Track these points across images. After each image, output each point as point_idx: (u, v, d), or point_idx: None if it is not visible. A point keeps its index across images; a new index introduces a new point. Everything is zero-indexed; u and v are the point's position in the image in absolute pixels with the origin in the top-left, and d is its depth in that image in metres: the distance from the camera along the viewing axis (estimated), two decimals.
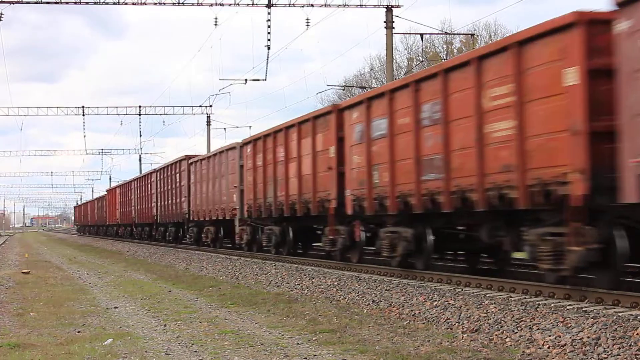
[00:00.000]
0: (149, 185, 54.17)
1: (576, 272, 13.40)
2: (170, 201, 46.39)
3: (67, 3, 37.89)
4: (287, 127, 25.92)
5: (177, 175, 44.45)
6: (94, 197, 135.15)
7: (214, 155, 36.60)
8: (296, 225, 27.06)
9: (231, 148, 33.78)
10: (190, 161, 41.48)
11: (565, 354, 10.10)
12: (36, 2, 37.19)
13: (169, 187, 46.74)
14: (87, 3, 37.83)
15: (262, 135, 28.34)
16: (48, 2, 37.45)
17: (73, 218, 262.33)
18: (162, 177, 49.34)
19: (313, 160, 23.66)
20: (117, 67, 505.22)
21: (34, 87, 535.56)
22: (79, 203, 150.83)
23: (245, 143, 30.81)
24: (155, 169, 52.62)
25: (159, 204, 49.99)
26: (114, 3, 37.68)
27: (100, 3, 37.76)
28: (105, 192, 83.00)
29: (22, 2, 37.16)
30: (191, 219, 41.16)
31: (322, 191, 22.94)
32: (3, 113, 65.38)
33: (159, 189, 49.99)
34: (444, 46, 66.93)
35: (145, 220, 56.42)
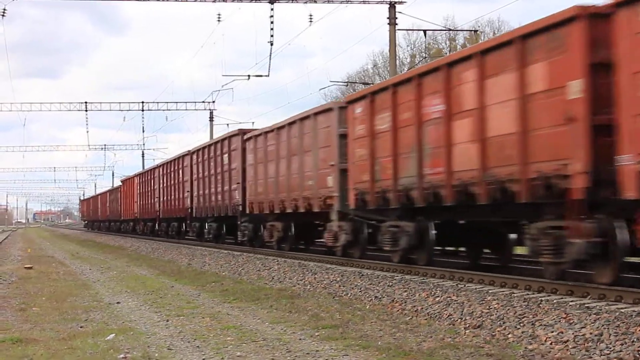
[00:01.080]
0: (180, 172, 44.76)
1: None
2: (211, 190, 37.46)
3: None
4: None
5: (225, 156, 35.06)
6: (97, 191, 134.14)
7: (290, 124, 26.71)
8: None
9: (324, 110, 24.11)
10: (246, 136, 31.92)
11: (567, 350, 10.10)
12: None
13: (210, 172, 37.51)
14: None
15: (390, 84, 19.50)
16: None
17: (77, 213, 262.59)
18: (200, 160, 40.00)
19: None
20: (119, 63, 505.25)
21: (35, 83, 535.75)
22: (85, 196, 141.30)
23: (352, 100, 21.49)
24: (189, 151, 43.08)
25: (195, 193, 40.85)
26: None
27: None
28: (120, 183, 73.64)
29: None
30: (246, 211, 31.63)
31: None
32: (6, 109, 65.40)
33: (195, 175, 40.80)
34: (447, 42, 66.87)
35: (173, 214, 46.86)
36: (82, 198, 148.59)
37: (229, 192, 34.13)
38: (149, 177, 56.33)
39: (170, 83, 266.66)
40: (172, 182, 46.58)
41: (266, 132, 28.95)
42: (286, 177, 26.72)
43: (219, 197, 35.82)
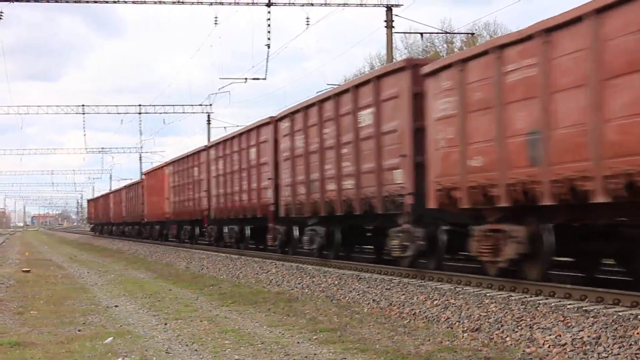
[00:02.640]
0: (237, 155, 31.89)
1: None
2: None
3: (66, 1, 37.84)
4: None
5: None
6: (95, 194, 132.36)
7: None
8: None
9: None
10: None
11: (565, 353, 10.11)
12: (35, 1, 37.14)
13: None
14: (87, 2, 37.77)
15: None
16: (48, 1, 37.41)
17: (75, 216, 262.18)
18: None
19: None
20: (116, 66, 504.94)
21: (32, 86, 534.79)
22: (93, 196, 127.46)
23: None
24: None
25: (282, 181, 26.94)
26: (114, 1, 37.63)
27: (100, 1, 37.70)
28: (143, 176, 60.41)
29: (21, 0, 37.11)
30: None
31: None
32: (3, 111, 65.35)
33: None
34: (445, 45, 66.88)
35: (235, 214, 32.24)
36: (88, 198, 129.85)
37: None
38: (189, 165, 41.03)
39: (167, 86, 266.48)
40: (232, 170, 32.73)
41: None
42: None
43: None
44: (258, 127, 29.09)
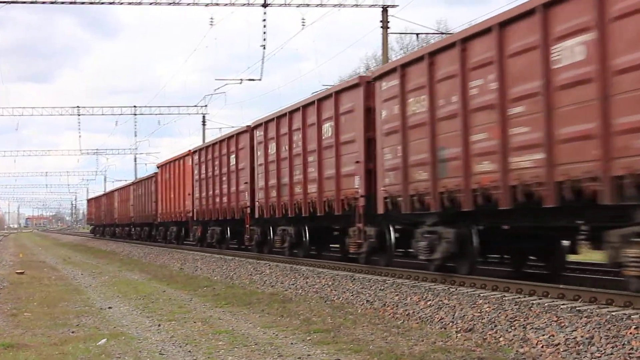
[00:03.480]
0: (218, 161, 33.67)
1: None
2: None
3: (62, 3, 37.79)
4: None
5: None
6: (90, 195, 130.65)
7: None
8: None
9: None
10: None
11: (558, 353, 10.12)
12: (32, 2, 37.10)
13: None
14: (82, 3, 37.73)
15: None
16: (44, 2, 37.38)
17: (69, 217, 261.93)
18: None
19: None
20: (112, 67, 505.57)
21: (27, 87, 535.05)
22: (87, 197, 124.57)
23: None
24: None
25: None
26: (110, 3, 37.60)
27: (96, 3, 37.66)
28: (156, 169, 49.62)
29: (17, 2, 37.07)
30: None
31: None
32: None
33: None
34: None
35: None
36: (87, 198, 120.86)
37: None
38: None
39: (162, 87, 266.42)
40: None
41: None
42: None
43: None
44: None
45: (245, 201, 29.80)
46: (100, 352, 11.14)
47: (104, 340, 12.08)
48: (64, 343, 11.94)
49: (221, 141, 33.57)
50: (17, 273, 27.09)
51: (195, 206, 37.90)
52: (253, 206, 28.74)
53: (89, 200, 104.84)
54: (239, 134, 31.10)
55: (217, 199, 33.96)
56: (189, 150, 39.73)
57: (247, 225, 29.78)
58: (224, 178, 32.80)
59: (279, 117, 25.75)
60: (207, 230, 37.15)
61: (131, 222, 60.20)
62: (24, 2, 37.13)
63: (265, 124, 26.95)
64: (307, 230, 24.87)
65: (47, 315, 15.38)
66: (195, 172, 37.95)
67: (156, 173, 49.25)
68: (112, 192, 74.84)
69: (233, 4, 38.57)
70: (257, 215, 28.30)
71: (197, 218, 37.88)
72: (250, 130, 29.20)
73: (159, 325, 13.69)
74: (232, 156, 31.82)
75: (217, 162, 34.15)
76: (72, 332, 13.12)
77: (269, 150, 26.59)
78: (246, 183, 29.63)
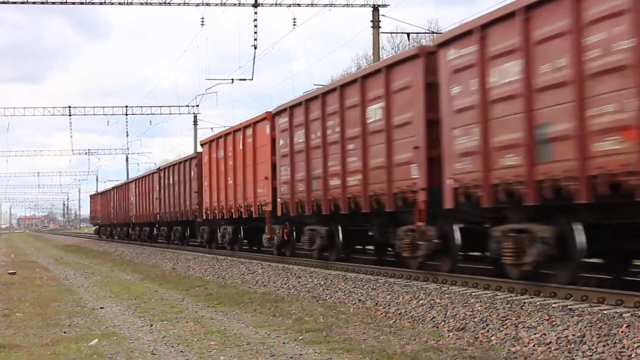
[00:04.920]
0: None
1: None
2: None
3: (52, 3, 37.75)
4: None
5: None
6: (82, 196, 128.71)
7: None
8: None
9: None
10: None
11: (550, 351, 10.14)
12: (22, 3, 37.02)
13: None
14: (72, 3, 37.69)
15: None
16: (34, 3, 37.32)
17: (62, 218, 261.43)
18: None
19: None
20: (102, 68, 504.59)
21: (17, 88, 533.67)
22: (79, 197, 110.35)
23: None
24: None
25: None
26: (100, 3, 37.55)
27: (86, 3, 37.61)
28: (194, 156, 37.73)
29: (7, 3, 36.99)
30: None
31: None
32: None
33: None
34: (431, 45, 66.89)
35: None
36: (91, 193, 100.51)
37: None
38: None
39: (153, 87, 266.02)
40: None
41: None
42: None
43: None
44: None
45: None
46: (92, 352, 11.13)
47: (96, 340, 12.07)
48: (56, 343, 11.92)
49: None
50: (9, 273, 27.05)
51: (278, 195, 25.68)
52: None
53: (92, 196, 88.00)
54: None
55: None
56: (267, 113, 26.42)
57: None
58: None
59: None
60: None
61: (156, 220, 47.02)
62: (14, 3, 37.07)
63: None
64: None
65: (39, 316, 15.36)
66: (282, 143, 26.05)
67: (198, 154, 36.53)
68: (127, 184, 59.93)
69: (224, 4, 38.61)
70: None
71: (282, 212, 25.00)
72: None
73: (151, 325, 13.68)
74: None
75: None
76: (64, 333, 13.11)
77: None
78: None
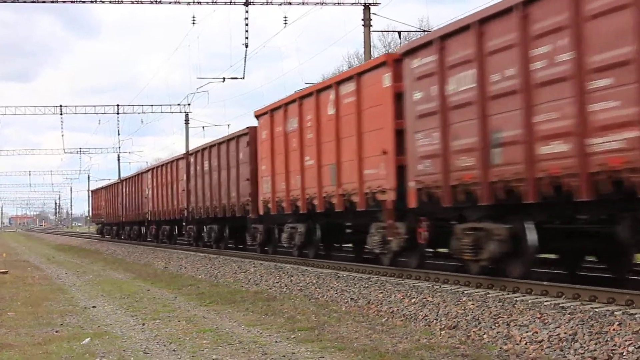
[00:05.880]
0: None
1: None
2: None
3: (43, 1, 37.64)
4: None
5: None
6: (73, 195, 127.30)
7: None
8: None
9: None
10: None
11: (542, 350, 10.16)
12: (12, 1, 36.92)
13: None
14: (63, 1, 37.58)
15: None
16: (25, 1, 37.20)
17: (54, 217, 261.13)
18: None
19: None
20: (93, 66, 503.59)
21: (7, 86, 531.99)
22: (71, 196, 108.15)
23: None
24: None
25: None
26: (91, 1, 37.46)
27: (77, 2, 37.51)
28: (244, 132, 28.66)
29: None
30: None
31: None
32: None
33: None
34: None
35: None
36: (92, 189, 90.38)
37: None
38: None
39: (145, 86, 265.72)
40: None
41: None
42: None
43: None
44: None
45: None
46: (84, 351, 11.12)
47: (88, 339, 12.06)
48: (48, 342, 11.91)
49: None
50: (1, 272, 26.98)
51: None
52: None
53: (94, 192, 78.30)
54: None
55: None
56: (386, 55, 18.89)
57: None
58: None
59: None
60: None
61: (182, 216, 38.93)
62: (5, 1, 36.93)
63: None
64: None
65: (30, 315, 15.34)
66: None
67: (251, 129, 27.90)
68: (139, 175, 51.22)
69: (215, 2, 38.48)
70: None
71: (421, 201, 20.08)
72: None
73: (143, 324, 13.68)
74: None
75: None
76: (56, 332, 13.10)
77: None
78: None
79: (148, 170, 48.33)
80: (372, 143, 18.54)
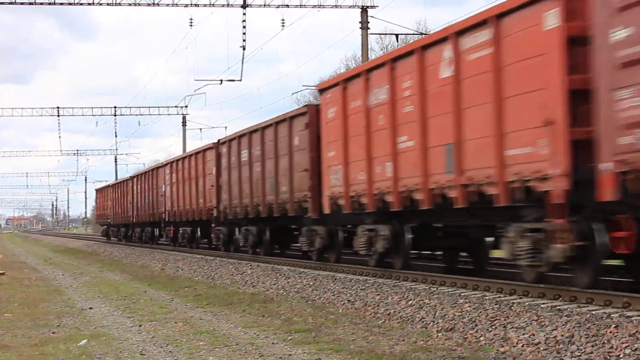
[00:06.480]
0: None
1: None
2: None
3: (41, 4, 37.66)
4: None
5: None
6: (70, 196, 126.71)
7: None
8: None
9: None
10: None
11: (539, 352, 10.16)
12: (10, 3, 36.92)
13: None
14: (61, 4, 37.62)
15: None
16: (22, 3, 37.21)
17: (50, 219, 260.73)
18: None
19: None
20: (90, 68, 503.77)
21: (5, 88, 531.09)
22: (68, 198, 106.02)
23: None
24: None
25: None
26: (89, 4, 37.48)
27: (74, 4, 37.53)
28: (301, 112, 23.17)
29: None
30: None
31: None
32: None
33: None
34: None
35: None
36: (96, 188, 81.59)
37: None
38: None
39: (142, 88, 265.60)
40: None
41: None
42: None
43: None
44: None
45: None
46: (81, 352, 11.12)
47: (85, 340, 12.05)
48: (45, 344, 11.90)
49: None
50: None
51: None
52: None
53: (99, 190, 72.76)
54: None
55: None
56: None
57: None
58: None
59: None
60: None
61: (210, 216, 32.80)
62: (2, 3, 36.94)
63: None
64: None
65: (27, 316, 15.33)
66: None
67: (310, 107, 22.86)
68: (154, 170, 45.44)
69: (213, 5, 38.57)
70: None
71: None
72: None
73: (140, 326, 13.67)
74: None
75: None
76: (53, 333, 13.09)
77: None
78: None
79: (166, 164, 42.02)
80: (522, 112, 13.36)
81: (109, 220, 63.05)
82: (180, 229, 39.28)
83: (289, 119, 23.49)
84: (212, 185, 32.01)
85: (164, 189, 41.42)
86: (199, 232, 36.94)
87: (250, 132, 27.11)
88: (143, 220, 47.92)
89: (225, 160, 29.97)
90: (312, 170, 21.80)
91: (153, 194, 44.50)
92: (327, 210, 20.67)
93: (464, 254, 19.80)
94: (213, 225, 32.76)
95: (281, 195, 24.05)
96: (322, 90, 21.31)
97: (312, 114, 22.04)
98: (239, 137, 28.31)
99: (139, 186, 48.97)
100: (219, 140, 31.68)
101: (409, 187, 16.57)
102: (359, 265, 15.36)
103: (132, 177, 52.47)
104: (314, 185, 21.62)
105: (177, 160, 39.27)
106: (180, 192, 37.81)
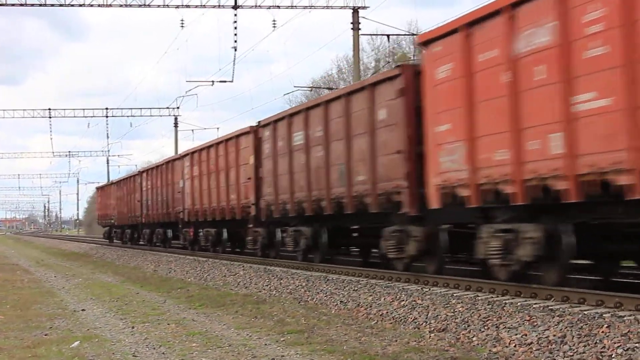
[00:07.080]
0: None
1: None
2: None
3: (31, 5, 37.59)
4: None
5: None
6: (62, 198, 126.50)
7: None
8: None
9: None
10: None
11: (531, 352, 10.17)
12: (0, 5, 36.85)
13: None
14: (52, 5, 37.56)
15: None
16: (13, 5, 37.15)
17: (43, 220, 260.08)
18: None
19: None
20: (82, 70, 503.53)
21: None
22: (60, 198, 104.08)
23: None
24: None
25: None
26: (79, 5, 37.42)
27: (65, 5, 37.48)
28: (391, 74, 17.42)
29: None
30: None
31: None
32: None
33: None
34: (412, 47, 67.01)
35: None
36: (97, 186, 75.06)
37: None
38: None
39: (134, 89, 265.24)
40: None
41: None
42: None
43: None
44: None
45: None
46: (73, 354, 11.10)
47: (77, 342, 12.03)
48: (37, 346, 11.88)
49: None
50: None
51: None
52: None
53: (100, 189, 66.65)
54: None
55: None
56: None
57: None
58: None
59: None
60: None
61: (244, 215, 27.95)
62: None
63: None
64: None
65: (19, 318, 15.29)
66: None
67: (405, 68, 17.27)
68: (169, 162, 39.75)
69: (204, 6, 38.55)
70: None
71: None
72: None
73: (133, 327, 13.65)
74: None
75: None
76: (45, 335, 13.06)
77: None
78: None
79: (185, 155, 35.81)
80: None
81: (112, 221, 56.85)
82: (202, 230, 33.82)
83: (369, 86, 18.30)
84: (248, 178, 27.07)
85: (182, 185, 35.83)
86: (225, 234, 31.55)
87: (307, 109, 21.89)
88: (154, 220, 42.66)
89: (269, 146, 24.47)
90: (408, 153, 16.72)
91: (167, 190, 39.33)
92: (435, 204, 15.53)
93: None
94: (250, 225, 27.45)
95: (356, 187, 18.96)
96: (425, 43, 15.76)
97: (408, 77, 16.83)
98: (290, 115, 23.01)
99: (149, 182, 43.50)
100: (259, 122, 25.90)
101: (601, 167, 11.40)
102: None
103: (140, 172, 46.47)
104: (411, 172, 16.63)
105: (201, 150, 32.97)
106: (203, 188, 32.30)
